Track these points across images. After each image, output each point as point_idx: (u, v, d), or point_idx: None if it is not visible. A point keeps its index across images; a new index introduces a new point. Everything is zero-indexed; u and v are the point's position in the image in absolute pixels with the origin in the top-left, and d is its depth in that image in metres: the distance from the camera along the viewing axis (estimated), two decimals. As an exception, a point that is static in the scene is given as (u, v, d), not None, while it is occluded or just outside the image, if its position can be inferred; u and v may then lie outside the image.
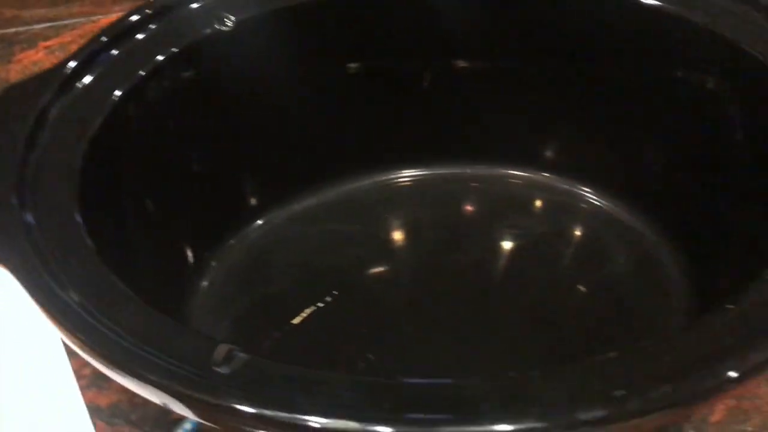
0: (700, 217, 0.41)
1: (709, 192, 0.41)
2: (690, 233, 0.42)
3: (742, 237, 0.38)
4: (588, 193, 0.46)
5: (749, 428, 0.37)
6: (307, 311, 0.41)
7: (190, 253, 0.43)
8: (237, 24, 0.42)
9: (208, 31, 0.42)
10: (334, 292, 0.42)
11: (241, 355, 0.27)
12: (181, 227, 0.42)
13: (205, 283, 0.43)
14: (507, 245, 0.45)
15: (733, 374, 0.25)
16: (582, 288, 0.43)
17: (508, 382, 0.26)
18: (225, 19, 0.42)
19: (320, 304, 0.42)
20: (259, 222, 0.46)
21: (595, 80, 0.44)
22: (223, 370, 0.26)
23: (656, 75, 0.43)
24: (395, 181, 0.48)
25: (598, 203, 0.46)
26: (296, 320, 0.41)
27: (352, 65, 0.45)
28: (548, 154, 0.48)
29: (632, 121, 0.44)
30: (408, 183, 0.48)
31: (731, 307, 0.28)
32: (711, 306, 0.31)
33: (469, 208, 0.48)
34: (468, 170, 0.48)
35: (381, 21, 0.45)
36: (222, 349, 0.27)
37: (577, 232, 0.46)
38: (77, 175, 0.35)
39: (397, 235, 0.47)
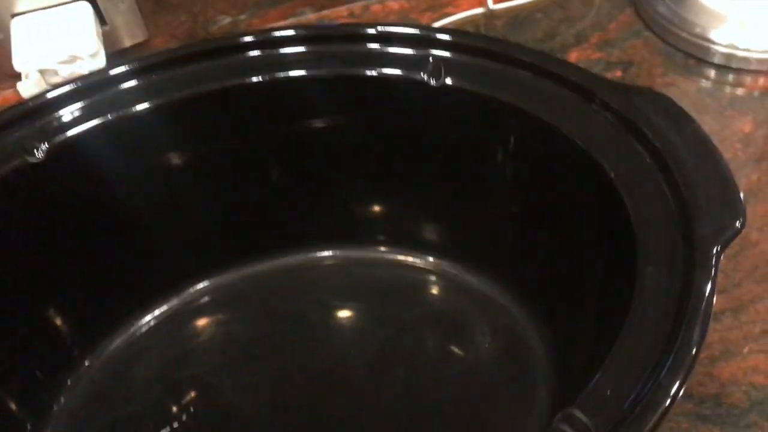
0: (558, 289, 0.42)
1: (561, 262, 0.42)
2: (550, 306, 0.42)
3: (592, 306, 0.39)
4: (449, 270, 0.46)
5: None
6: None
7: (39, 374, 0.42)
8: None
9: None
10: (192, 408, 0.42)
11: None
12: (22, 348, 0.41)
13: (58, 407, 0.42)
14: (368, 336, 0.45)
15: None
16: (446, 377, 0.43)
17: None
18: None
19: (176, 424, 0.41)
20: (121, 332, 0.45)
21: (438, 160, 0.45)
22: None
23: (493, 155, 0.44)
24: (245, 277, 0.47)
25: (459, 280, 0.46)
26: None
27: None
28: (403, 233, 0.48)
29: (484, 197, 0.45)
30: (258, 277, 0.47)
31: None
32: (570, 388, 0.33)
33: (325, 295, 0.47)
34: (319, 254, 0.48)
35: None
36: None
37: (441, 314, 0.46)
38: None
39: (257, 335, 0.46)
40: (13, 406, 0.40)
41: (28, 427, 0.40)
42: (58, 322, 0.43)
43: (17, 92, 0.57)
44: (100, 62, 0.57)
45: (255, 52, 0.44)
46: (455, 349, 0.44)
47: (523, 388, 0.41)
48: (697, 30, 0.59)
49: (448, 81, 0.42)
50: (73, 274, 0.44)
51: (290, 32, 0.44)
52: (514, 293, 0.44)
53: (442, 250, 0.47)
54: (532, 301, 0.43)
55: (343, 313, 0.47)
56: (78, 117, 0.42)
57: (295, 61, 0.44)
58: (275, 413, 0.42)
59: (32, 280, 0.42)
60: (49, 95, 0.42)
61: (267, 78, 0.43)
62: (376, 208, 0.48)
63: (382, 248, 0.48)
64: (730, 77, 0.58)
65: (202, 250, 0.47)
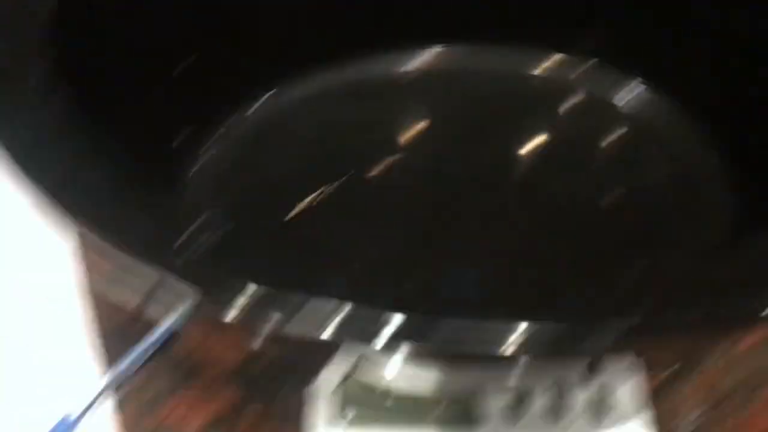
0: (755, 130, 0.37)
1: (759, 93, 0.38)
2: (741, 147, 0.38)
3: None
4: (631, 88, 0.42)
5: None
6: (306, 202, 0.39)
7: (187, 125, 0.40)
8: None
9: None
10: (337, 182, 0.39)
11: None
12: (180, 96, 0.39)
13: (202, 160, 0.40)
14: (531, 142, 0.42)
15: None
16: (609, 198, 0.39)
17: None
18: None
19: (321, 196, 0.39)
20: (269, 97, 0.42)
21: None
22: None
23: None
24: (419, 61, 0.44)
25: (641, 100, 0.42)
26: (293, 212, 0.38)
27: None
28: (589, 37, 0.43)
29: (695, 14, 0.40)
30: (432, 65, 0.44)
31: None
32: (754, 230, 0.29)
33: (493, 94, 0.44)
34: (496, 53, 0.43)
35: None
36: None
37: (613, 132, 0.42)
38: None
39: (413, 125, 0.43)
40: (163, 149, 0.38)
41: (172, 170, 0.38)
42: (210, 71, 0.40)
43: None
44: None
45: None
46: (621, 169, 0.40)
47: (695, 214, 0.37)
48: None
49: None
50: (235, 25, 0.42)
51: None
52: (695, 120, 0.40)
53: (623, 69, 0.42)
54: (716, 131, 0.39)
55: (505, 116, 0.43)
56: None
57: None
58: (419, 205, 0.39)
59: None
60: None
61: None
62: (553, 13, 0.43)
63: (554, 51, 0.44)
64: None
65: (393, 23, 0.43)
